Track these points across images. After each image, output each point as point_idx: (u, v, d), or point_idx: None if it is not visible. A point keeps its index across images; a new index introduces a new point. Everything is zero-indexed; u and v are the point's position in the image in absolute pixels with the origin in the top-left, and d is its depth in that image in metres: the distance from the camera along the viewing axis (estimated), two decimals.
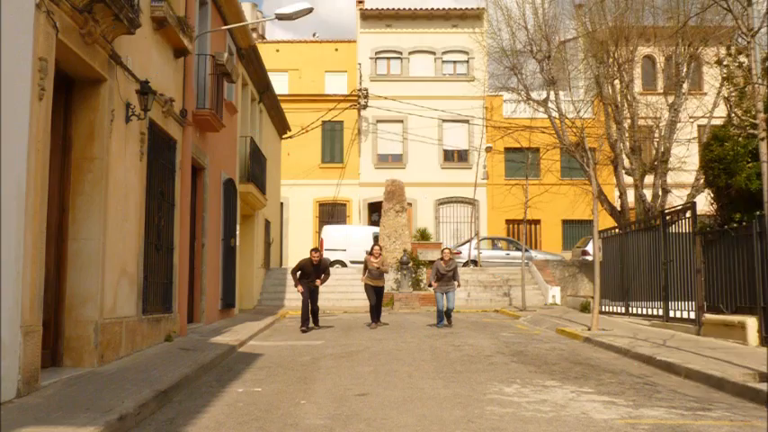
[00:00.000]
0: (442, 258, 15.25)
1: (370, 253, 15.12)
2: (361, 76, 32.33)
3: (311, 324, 14.48)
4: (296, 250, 29.34)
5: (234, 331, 12.94)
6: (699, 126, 21.28)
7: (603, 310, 15.65)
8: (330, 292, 21.55)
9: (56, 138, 7.56)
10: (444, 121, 31.86)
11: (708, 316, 12.10)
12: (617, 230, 17.33)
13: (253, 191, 18.59)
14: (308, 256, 14.96)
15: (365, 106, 32.07)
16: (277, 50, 33.22)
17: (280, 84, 30.12)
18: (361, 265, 16.49)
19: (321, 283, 14.60)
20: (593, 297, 14.09)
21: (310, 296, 14.41)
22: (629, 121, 20.32)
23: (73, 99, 8.22)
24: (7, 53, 5.93)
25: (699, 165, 16.29)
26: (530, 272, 23.39)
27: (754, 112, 8.22)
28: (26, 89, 6.30)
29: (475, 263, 25.55)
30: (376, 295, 15.09)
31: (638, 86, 22.62)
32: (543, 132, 22.14)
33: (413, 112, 31.21)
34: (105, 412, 5.50)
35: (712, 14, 17.96)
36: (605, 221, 20.96)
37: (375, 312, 15.11)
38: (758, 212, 10.28)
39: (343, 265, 25.34)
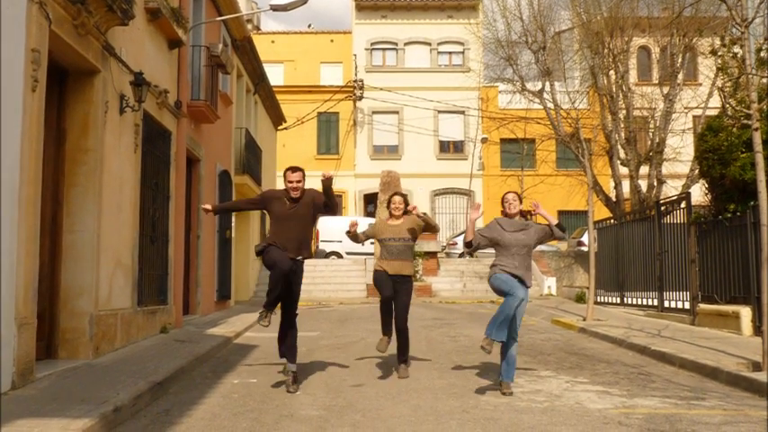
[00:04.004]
0: (505, 211, 7.15)
1: (390, 215, 7.87)
2: (356, 68, 32.27)
3: (283, 366, 7.39)
4: None
5: (229, 323, 12.94)
6: (694, 116, 21.32)
7: (598, 300, 15.69)
8: (326, 283, 21.55)
9: (49, 130, 7.52)
10: (440, 112, 31.85)
11: (702, 306, 12.15)
12: (612, 221, 17.38)
13: (248, 182, 18.57)
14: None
15: (360, 97, 32.03)
16: (272, 42, 33.13)
17: (275, 75, 30.07)
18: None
19: (329, 177, 7.39)
20: (588, 287, 14.13)
21: (289, 280, 7.06)
22: (624, 111, 20.35)
23: (67, 91, 8.18)
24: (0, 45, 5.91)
25: (693, 155, 16.31)
26: None
27: (747, 103, 8.23)
28: (19, 81, 6.27)
29: (471, 254, 25.56)
30: (396, 292, 7.54)
31: (633, 77, 22.65)
32: (539, 123, 22.16)
33: (408, 103, 31.18)
34: (100, 404, 5.51)
35: (707, 5, 17.99)
36: (600, 212, 20.99)
37: (388, 326, 7.65)
38: (752, 203, 10.30)
39: (339, 256, 25.35)
